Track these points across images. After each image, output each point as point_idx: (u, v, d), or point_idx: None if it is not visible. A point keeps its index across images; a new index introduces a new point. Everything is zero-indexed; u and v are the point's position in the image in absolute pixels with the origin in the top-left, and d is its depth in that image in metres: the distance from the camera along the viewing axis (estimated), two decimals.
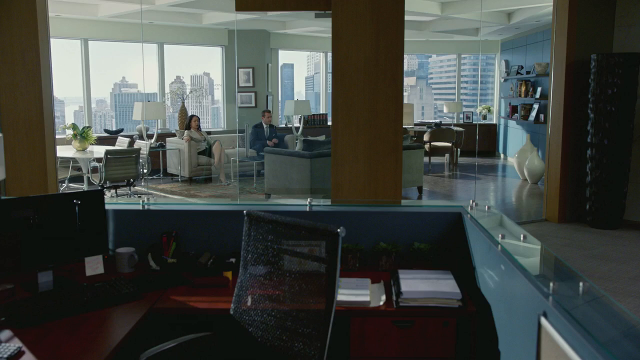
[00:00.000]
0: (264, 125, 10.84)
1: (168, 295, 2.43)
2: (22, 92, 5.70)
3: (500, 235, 2.19)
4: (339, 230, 2.00)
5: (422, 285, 2.37)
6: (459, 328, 2.28)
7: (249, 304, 2.23)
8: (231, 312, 2.24)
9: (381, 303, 2.35)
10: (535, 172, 9.98)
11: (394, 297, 2.37)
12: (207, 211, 2.91)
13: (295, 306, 2.12)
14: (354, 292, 2.41)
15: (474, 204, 2.83)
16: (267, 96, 12.52)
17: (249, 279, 2.25)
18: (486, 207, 2.79)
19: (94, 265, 2.60)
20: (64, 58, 11.82)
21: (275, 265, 2.20)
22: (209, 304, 2.37)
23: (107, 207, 2.72)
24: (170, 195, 8.97)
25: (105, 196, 7.41)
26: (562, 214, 7.08)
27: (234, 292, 2.26)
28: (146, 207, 2.88)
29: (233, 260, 2.68)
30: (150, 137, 9.72)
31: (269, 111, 11.17)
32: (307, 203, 2.87)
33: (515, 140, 12.73)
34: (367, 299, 2.35)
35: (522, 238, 2.16)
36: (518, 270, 1.85)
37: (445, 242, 2.77)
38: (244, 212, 2.23)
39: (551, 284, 1.60)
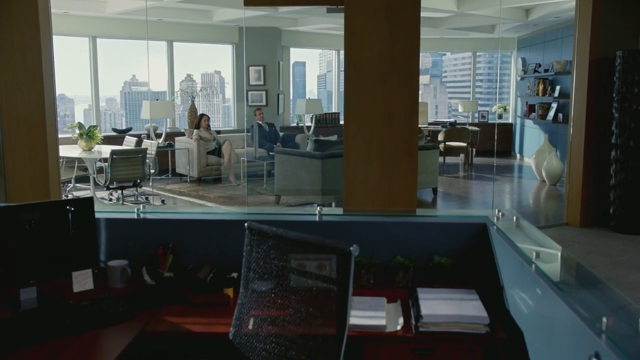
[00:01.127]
0: (261, 124, 10.61)
1: (162, 316, 2.20)
2: (23, 90, 5.50)
3: (534, 254, 1.93)
4: (351, 248, 1.76)
5: (444, 307, 2.11)
6: (486, 357, 2.02)
7: (250, 327, 1.99)
8: (230, 337, 2.00)
9: (398, 327, 2.10)
10: (553, 173, 9.66)
11: (412, 321, 2.11)
12: (208, 221, 2.67)
13: (302, 331, 1.88)
14: (368, 313, 2.16)
15: (499, 213, 2.57)
16: (278, 95, 12.28)
17: (250, 299, 2.01)
18: (514, 217, 2.53)
19: (83, 281, 2.37)
20: (73, 56, 11.66)
21: (280, 285, 1.96)
22: (206, 326, 2.13)
23: (98, 215, 2.49)
24: (178, 196, 8.76)
25: (111, 197, 7.18)
26: (584, 217, 6.77)
27: (234, 314, 2.02)
28: (141, 215, 2.64)
29: (235, 275, 2.44)
30: (158, 136, 9.52)
31: (260, 108, 10.94)
32: (317, 212, 2.62)
33: (532, 140, 12.41)
34: (383, 322, 2.10)
35: (559, 257, 1.90)
36: (560, 297, 1.59)
37: (469, 256, 2.51)
38: (245, 225, 1.98)
39: (604, 320, 1.35)
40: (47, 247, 2.30)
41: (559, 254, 1.89)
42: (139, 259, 2.53)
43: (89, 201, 2.40)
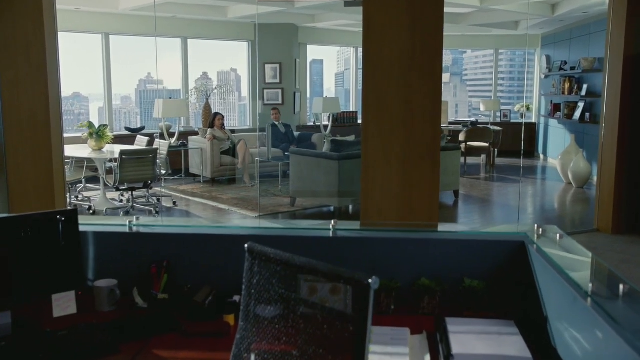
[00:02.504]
0: (277, 124, 10.32)
1: (151, 348, 1.91)
2: (27, 88, 5.26)
3: (590, 285, 1.61)
4: (370, 280, 1.45)
5: (478, 344, 1.80)
6: None
7: None
8: None
9: None
10: (580, 175, 9.25)
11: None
12: (208, 235, 2.37)
13: None
14: (389, 349, 1.85)
15: (540, 230, 2.24)
16: (294, 93, 11.99)
17: (251, 333, 1.72)
18: (557, 235, 2.20)
19: (64, 304, 2.09)
20: (87, 53, 11.48)
21: (285, 318, 1.65)
22: None
23: (85, 229, 2.22)
24: (190, 198, 8.51)
25: (122, 198, 6.93)
26: (617, 224, 6.39)
27: (232, 350, 1.73)
28: (134, 229, 2.36)
29: (237, 299, 2.15)
30: (172, 135, 9.29)
31: (276, 108, 10.65)
32: (331, 227, 2.32)
33: (556, 141, 11.99)
34: None
35: (621, 291, 1.57)
36: (630, 346, 1.27)
37: (504, 279, 2.19)
38: (245, 246, 1.69)
39: None
40: (23, 267, 2.03)
41: (621, 287, 1.57)
42: (130, 278, 2.25)
43: (73, 214, 2.12)
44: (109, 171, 7.32)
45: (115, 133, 10.66)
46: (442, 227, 2.71)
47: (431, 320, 2.11)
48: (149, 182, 7.30)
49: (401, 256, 2.25)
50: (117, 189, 7.20)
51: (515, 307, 2.11)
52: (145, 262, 2.26)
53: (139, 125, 11.58)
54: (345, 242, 2.28)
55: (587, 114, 10.03)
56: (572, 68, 10.74)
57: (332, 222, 2.34)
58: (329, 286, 1.81)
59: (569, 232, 6.59)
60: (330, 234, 2.30)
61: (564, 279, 1.73)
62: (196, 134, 10.33)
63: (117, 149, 7.45)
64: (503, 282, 2.18)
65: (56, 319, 2.07)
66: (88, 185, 8.58)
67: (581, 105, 10.28)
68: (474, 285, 2.18)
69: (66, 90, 13.30)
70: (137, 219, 2.40)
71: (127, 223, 2.36)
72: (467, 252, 2.23)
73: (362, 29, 4.73)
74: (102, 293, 2.20)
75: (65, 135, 10.08)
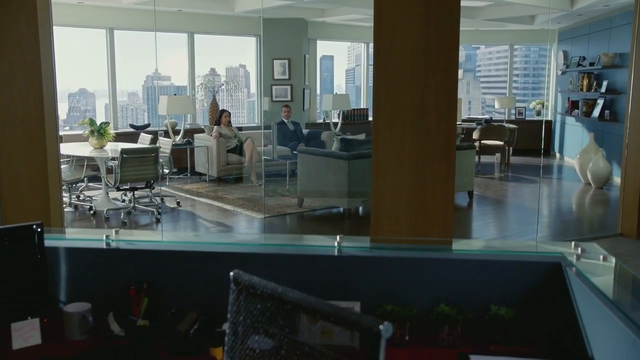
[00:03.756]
0: (286, 122, 10.01)
1: None
2: (20, 84, 4.99)
3: None
4: (381, 327, 1.15)
5: None
6: None
7: None
8: None
9: None
10: (600, 175, 8.89)
11: None
12: (196, 252, 2.08)
13: None
14: None
15: (579, 249, 1.93)
16: (303, 89, 11.69)
17: None
18: (600, 255, 1.89)
19: (26, 334, 1.81)
20: (93, 49, 11.24)
21: None
22: None
23: (53, 244, 1.94)
24: (195, 197, 8.24)
25: (125, 197, 6.66)
26: None
27: None
28: (112, 245, 2.07)
29: (226, 328, 1.85)
30: (177, 133, 9.02)
31: (288, 105, 10.34)
32: (336, 244, 2.02)
33: (573, 139, 11.61)
34: None
35: None
36: None
37: (538, 307, 1.88)
38: (230, 275, 1.40)
39: None
40: None
41: None
42: (106, 301, 1.96)
43: (37, 229, 1.84)
44: (110, 170, 7.06)
45: (120, 130, 10.44)
46: (462, 244, 2.40)
47: (452, 355, 1.81)
48: (151, 181, 7.04)
49: (416, 278, 1.95)
50: (118, 189, 6.94)
51: (551, 341, 1.80)
52: (124, 283, 1.98)
53: (145, 122, 11.33)
54: (352, 261, 1.98)
55: (607, 112, 9.65)
56: (592, 64, 10.36)
57: (337, 237, 2.04)
58: (329, 342, 1.51)
59: (591, 236, 6.26)
60: (335, 251, 2.00)
61: (618, 317, 1.42)
62: (202, 131, 10.06)
63: (120, 147, 7.19)
64: (536, 311, 1.87)
65: (16, 351, 1.79)
66: (90, 184, 8.33)
67: (600, 102, 9.90)
68: (501, 314, 1.88)
69: (72, 86, 13.10)
70: (117, 232, 2.11)
71: (104, 238, 2.07)
72: (493, 275, 1.93)
73: (373, 26, 4.41)
74: (72, 319, 1.91)
75: (70, 132, 9.88)
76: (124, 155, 6.57)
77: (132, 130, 10.26)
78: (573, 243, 1.96)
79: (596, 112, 9.94)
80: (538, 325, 1.87)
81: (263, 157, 9.17)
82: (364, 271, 1.97)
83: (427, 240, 3.31)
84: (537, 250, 2.03)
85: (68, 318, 1.92)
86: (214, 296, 1.95)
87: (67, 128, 12.19)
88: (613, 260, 1.87)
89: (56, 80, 5.30)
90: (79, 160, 7.50)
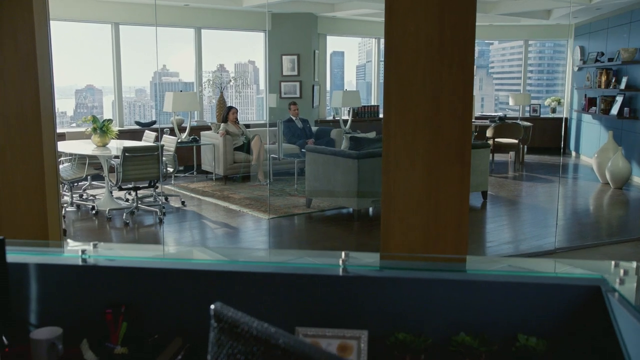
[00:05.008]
0: (294, 119, 9.76)
1: None
2: (14, 81, 4.78)
3: None
4: None
5: None
6: None
7: None
8: None
9: None
10: (619, 175, 8.58)
11: None
12: (183, 271, 1.84)
13: None
14: None
15: (621, 271, 1.68)
16: (313, 86, 11.44)
17: None
18: None
19: None
20: (100, 44, 11.05)
21: None
22: None
23: (19, 259, 1.71)
24: (201, 197, 8.03)
25: (128, 197, 6.46)
26: None
27: None
28: (89, 260, 1.84)
29: None
30: (183, 130, 8.82)
31: (295, 103, 10.07)
32: (340, 262, 1.77)
33: (589, 137, 11.29)
34: None
35: None
36: None
37: (573, 337, 1.63)
38: (211, 308, 1.16)
39: None
40: None
41: None
42: (80, 326, 1.73)
43: None
44: (114, 169, 6.86)
45: (126, 127, 10.26)
46: (483, 260, 2.15)
47: None
48: (154, 181, 6.83)
49: (432, 303, 1.71)
50: (120, 188, 6.74)
51: None
52: (100, 305, 1.75)
53: (152, 119, 11.14)
54: (359, 282, 1.74)
55: (626, 109, 9.33)
56: (610, 59, 10.03)
57: (343, 255, 1.79)
58: None
59: (610, 240, 5.97)
60: (340, 271, 1.76)
61: None
62: (210, 128, 9.84)
63: (124, 145, 6.99)
64: (571, 342, 1.62)
65: None
66: (94, 182, 8.14)
67: (619, 99, 9.58)
68: (531, 345, 1.63)
69: (79, 82, 12.94)
70: (95, 246, 1.88)
71: (80, 254, 1.84)
72: (521, 299, 1.68)
73: (384, 19, 4.16)
74: (39, 347, 1.69)
75: (77, 129, 9.69)
76: (126, 154, 6.36)
77: (137, 127, 10.06)
78: (613, 263, 1.71)
79: (615, 110, 9.62)
80: (574, 358, 1.61)
81: (271, 155, 8.94)
82: (372, 294, 1.73)
83: (443, 257, 3.03)
84: (571, 272, 1.78)
85: (35, 345, 1.70)
86: (202, 321, 1.72)
87: (73, 125, 12.04)
88: None
89: (54, 77, 5.08)
90: (81, 159, 7.31)
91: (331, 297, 1.73)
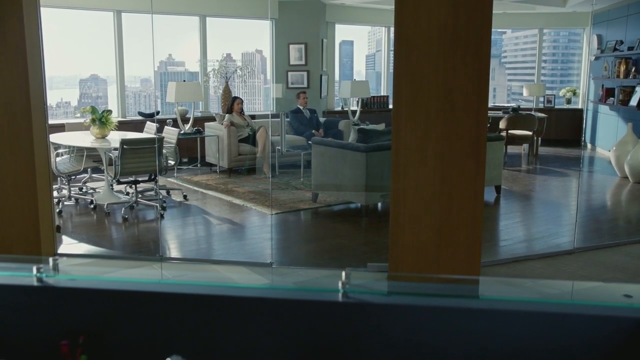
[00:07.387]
0: (302, 109, 9.45)
1: None
2: (3, 71, 4.54)
3: None
4: None
5: None
6: None
7: None
8: None
9: None
10: (639, 168, 8.24)
11: None
12: (157, 294, 1.57)
13: None
14: None
15: None
16: (321, 76, 11.14)
17: None
18: None
19: None
20: (104, 33, 10.79)
21: None
22: None
23: None
24: (203, 190, 7.77)
25: (129, 190, 6.20)
26: None
27: None
28: (45, 280, 1.57)
29: None
30: (187, 121, 8.57)
31: (304, 92, 9.75)
32: (340, 285, 1.50)
33: (607, 129, 10.92)
34: None
35: None
36: None
37: None
38: None
39: None
40: None
41: None
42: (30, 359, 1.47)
43: None
44: (111, 162, 6.62)
45: (129, 118, 10.01)
46: (499, 285, 1.87)
47: None
48: (154, 175, 6.58)
49: (448, 335, 1.43)
50: (119, 182, 6.50)
51: None
52: (56, 335, 1.48)
53: (157, 110, 10.89)
54: (361, 309, 1.47)
55: None
56: (630, 48, 9.65)
57: (343, 275, 1.52)
58: None
59: (631, 240, 5.66)
60: (340, 296, 1.49)
61: None
62: (214, 119, 9.58)
63: (124, 136, 6.75)
64: None
65: None
66: (95, 175, 7.91)
67: (639, 89, 9.22)
68: None
69: (83, 72, 12.70)
70: (55, 260, 1.62)
71: (34, 272, 1.57)
72: (551, 332, 1.40)
73: (394, 4, 3.87)
74: None
75: (80, 120, 9.45)
76: (125, 146, 6.11)
77: (139, 118, 9.82)
78: None
79: (634, 100, 9.26)
80: None
81: (277, 147, 8.66)
82: (377, 323, 1.46)
83: (457, 278, 2.75)
84: (615, 301, 1.50)
85: None
86: (178, 353, 1.45)
87: (77, 115, 11.81)
88: None
89: (44, 65, 4.83)
90: (79, 151, 7.07)
91: (330, 326, 1.46)
